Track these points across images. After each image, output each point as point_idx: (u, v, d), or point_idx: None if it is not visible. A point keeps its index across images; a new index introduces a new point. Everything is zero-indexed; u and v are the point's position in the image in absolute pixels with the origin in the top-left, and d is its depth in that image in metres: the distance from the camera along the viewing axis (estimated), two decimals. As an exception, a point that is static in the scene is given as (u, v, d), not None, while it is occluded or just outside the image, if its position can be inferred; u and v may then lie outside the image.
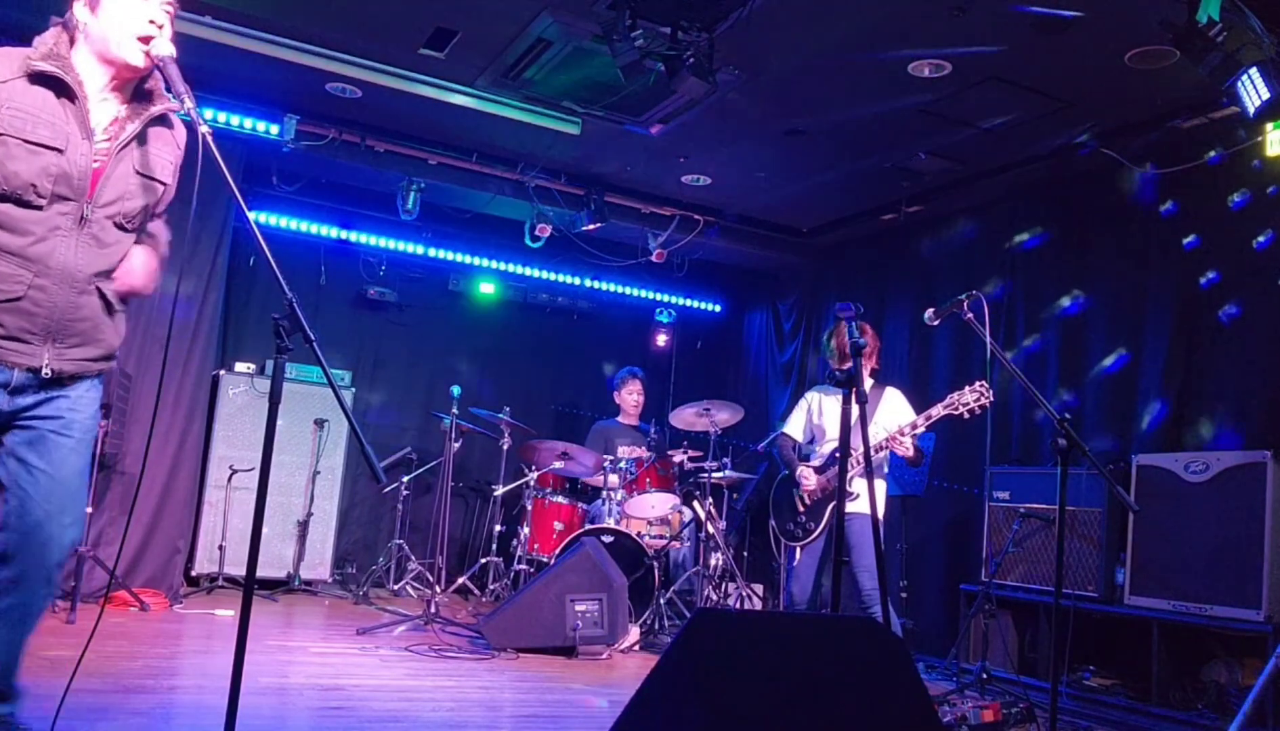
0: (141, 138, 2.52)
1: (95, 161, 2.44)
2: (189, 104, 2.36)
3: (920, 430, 4.45)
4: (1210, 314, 5.00)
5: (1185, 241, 5.17)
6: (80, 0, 2.45)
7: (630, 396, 7.21)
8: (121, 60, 2.44)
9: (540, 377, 8.31)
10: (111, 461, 5.56)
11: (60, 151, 2.37)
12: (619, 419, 7.23)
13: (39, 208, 2.36)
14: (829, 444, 4.75)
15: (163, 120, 2.59)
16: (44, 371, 2.40)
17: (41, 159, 2.34)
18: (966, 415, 4.34)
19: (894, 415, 4.65)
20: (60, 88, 2.39)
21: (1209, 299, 5.02)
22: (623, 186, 7.01)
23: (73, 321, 2.44)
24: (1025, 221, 6.12)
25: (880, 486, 4.59)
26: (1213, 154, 4.98)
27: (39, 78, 2.37)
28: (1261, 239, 4.81)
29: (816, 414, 4.88)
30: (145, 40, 2.42)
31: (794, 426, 4.96)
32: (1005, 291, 6.11)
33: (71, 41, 2.45)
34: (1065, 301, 5.77)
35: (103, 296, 2.50)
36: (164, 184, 2.61)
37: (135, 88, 2.53)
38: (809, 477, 4.70)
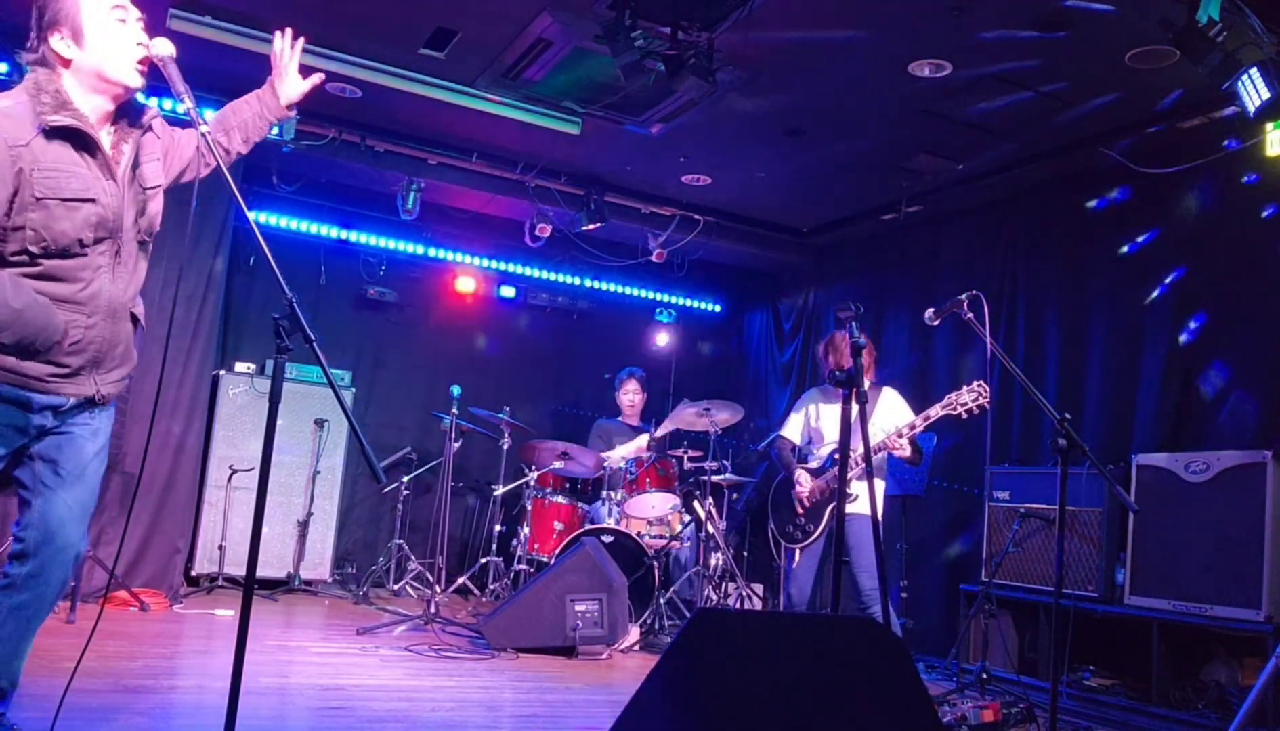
0: (135, 160, 2.55)
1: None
2: (189, 104, 2.36)
3: (918, 430, 4.45)
4: (1210, 313, 5.00)
5: (1185, 241, 5.17)
6: (57, 36, 2.39)
7: (627, 396, 7.21)
8: (122, 84, 2.45)
9: (540, 377, 8.31)
10: (111, 461, 5.53)
11: (94, 201, 2.39)
12: (620, 418, 7.24)
13: (84, 255, 2.41)
14: (827, 446, 4.76)
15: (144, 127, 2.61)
16: (96, 397, 2.51)
17: (80, 212, 2.37)
18: (964, 415, 4.35)
19: (891, 415, 4.65)
20: (78, 138, 2.39)
21: (1209, 298, 5.02)
22: (623, 186, 7.01)
23: (114, 348, 2.53)
24: (1025, 221, 6.13)
25: (879, 487, 4.59)
26: (1212, 155, 4.98)
27: (57, 132, 2.35)
28: (1261, 239, 4.81)
29: (814, 417, 4.88)
30: (142, 61, 2.45)
31: (791, 430, 4.96)
32: (1005, 291, 6.11)
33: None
34: (1065, 301, 5.77)
35: (134, 319, 2.59)
36: (159, 186, 2.63)
37: (119, 107, 2.53)
38: (804, 481, 4.70)
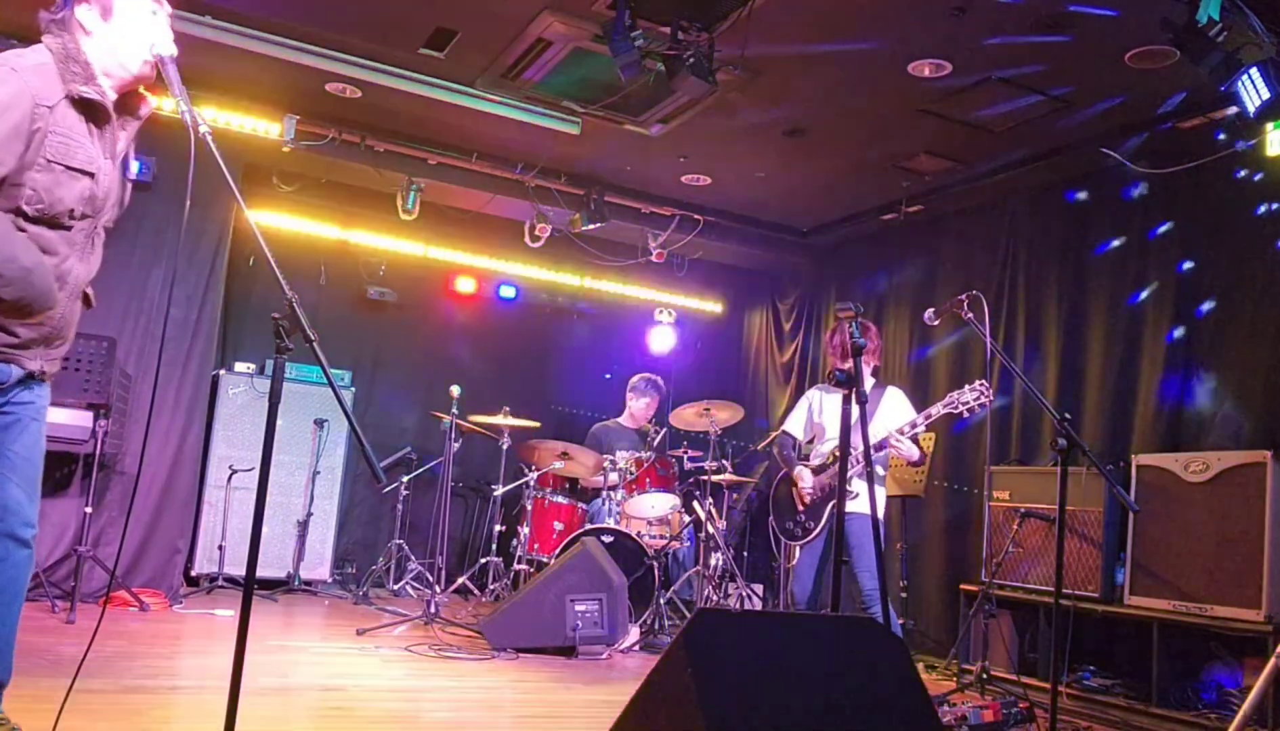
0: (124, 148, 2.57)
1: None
2: (185, 106, 2.37)
3: (920, 429, 4.45)
4: (1210, 313, 5.00)
5: (1186, 242, 5.17)
6: (86, 6, 2.40)
7: (648, 410, 7.16)
8: (132, 74, 2.45)
9: (540, 378, 8.31)
10: (111, 461, 5.56)
11: (93, 177, 2.40)
12: (622, 421, 7.22)
13: (69, 228, 2.40)
14: (829, 443, 4.75)
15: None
16: (37, 374, 2.48)
17: (80, 184, 2.38)
18: (966, 413, 4.35)
19: (895, 414, 4.64)
20: (93, 113, 2.39)
21: (1209, 298, 5.02)
22: (623, 186, 7.01)
23: (68, 326, 2.51)
24: (1025, 221, 6.12)
25: (880, 488, 4.59)
26: (1212, 154, 4.98)
27: (79, 102, 2.35)
28: (1261, 238, 4.81)
29: (817, 412, 4.88)
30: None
31: (794, 425, 4.96)
32: (1005, 291, 6.11)
33: None
34: (1065, 301, 5.77)
35: (86, 299, 2.58)
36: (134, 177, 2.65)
37: (123, 92, 2.54)
38: (806, 478, 4.70)
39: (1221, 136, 4.95)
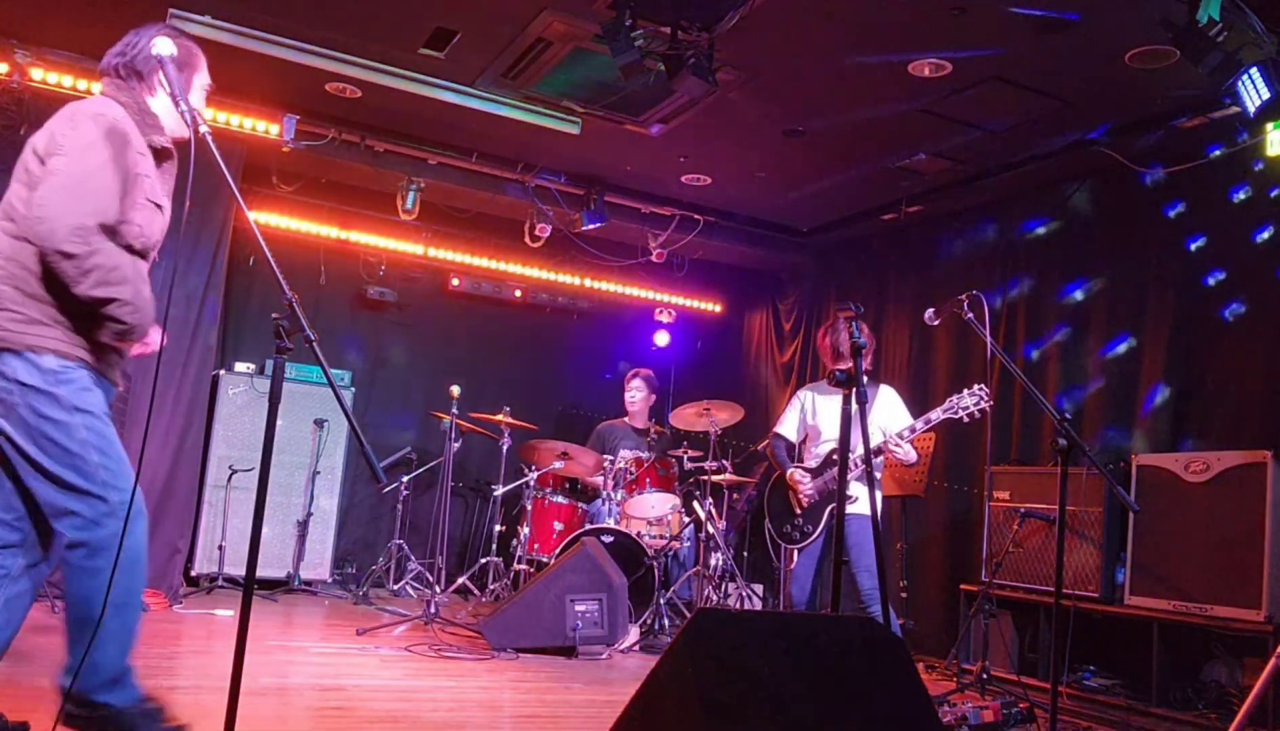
0: None
1: None
2: (184, 106, 2.40)
3: (919, 434, 4.44)
4: (1211, 313, 5.00)
5: (1186, 242, 5.17)
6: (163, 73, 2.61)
7: (628, 394, 7.16)
8: (177, 134, 2.72)
9: (540, 377, 8.31)
10: (111, 461, 5.55)
11: (163, 211, 2.67)
12: (625, 420, 7.21)
13: (148, 259, 2.66)
14: (825, 444, 4.74)
15: None
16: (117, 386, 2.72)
17: (160, 218, 2.65)
18: (966, 419, 4.34)
19: (889, 413, 4.64)
20: (160, 157, 2.66)
21: (1210, 299, 5.02)
22: (623, 186, 7.01)
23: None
24: (1025, 222, 6.12)
25: (877, 488, 4.58)
26: (1213, 154, 4.98)
27: (155, 149, 2.62)
28: (1262, 238, 4.81)
29: (810, 414, 4.86)
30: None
31: (787, 427, 4.95)
32: (1005, 291, 6.11)
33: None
34: (1066, 302, 5.77)
35: None
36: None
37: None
38: (806, 482, 4.69)
39: (1221, 136, 4.94)
